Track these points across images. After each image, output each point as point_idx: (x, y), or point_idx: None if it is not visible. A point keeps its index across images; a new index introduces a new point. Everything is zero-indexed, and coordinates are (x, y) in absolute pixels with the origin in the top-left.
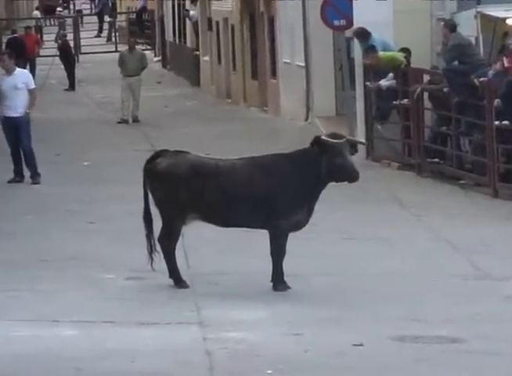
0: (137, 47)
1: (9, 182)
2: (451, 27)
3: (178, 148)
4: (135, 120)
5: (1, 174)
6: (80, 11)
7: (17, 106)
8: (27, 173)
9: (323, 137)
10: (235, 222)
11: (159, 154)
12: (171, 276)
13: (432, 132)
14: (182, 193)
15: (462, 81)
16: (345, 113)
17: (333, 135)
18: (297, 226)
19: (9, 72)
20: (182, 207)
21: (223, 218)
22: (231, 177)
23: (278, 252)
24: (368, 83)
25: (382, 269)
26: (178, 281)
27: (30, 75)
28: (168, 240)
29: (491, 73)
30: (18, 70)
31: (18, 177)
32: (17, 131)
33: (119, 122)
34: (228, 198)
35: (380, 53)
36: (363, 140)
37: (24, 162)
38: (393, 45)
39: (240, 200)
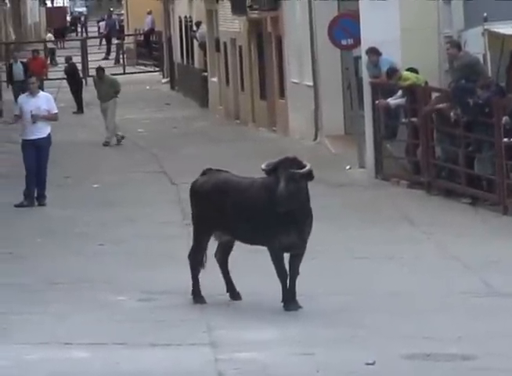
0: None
1: (17, 206)
2: (458, 46)
3: (186, 169)
4: (105, 144)
5: (7, 197)
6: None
7: (39, 128)
8: None
9: (262, 166)
10: (246, 239)
11: (203, 172)
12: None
13: (445, 152)
14: (206, 209)
15: (470, 100)
16: (354, 132)
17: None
18: (289, 247)
19: (33, 94)
20: (207, 223)
21: (238, 235)
22: (242, 195)
23: (278, 272)
24: (377, 102)
25: (393, 287)
26: (194, 296)
27: (53, 99)
28: (193, 256)
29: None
30: (42, 92)
31: (28, 201)
32: (38, 152)
33: (104, 144)
34: (239, 215)
35: (405, 73)
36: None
37: (36, 182)
38: (400, 65)
39: (246, 218)
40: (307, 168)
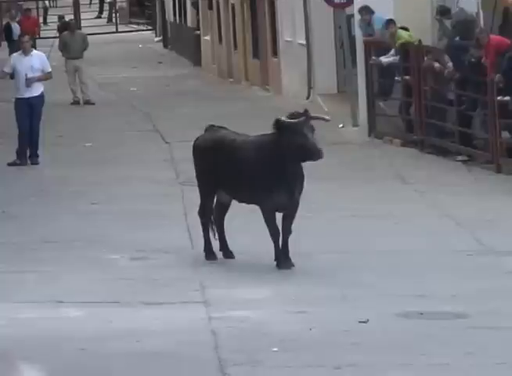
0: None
1: (10, 164)
2: (443, 12)
3: (179, 128)
4: (88, 103)
5: (0, 156)
6: None
7: (32, 87)
8: None
9: (281, 118)
10: (241, 197)
11: (205, 129)
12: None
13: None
14: (205, 166)
15: (464, 58)
16: (347, 91)
17: (293, 115)
18: (281, 206)
19: (26, 53)
20: (208, 181)
21: (233, 193)
22: (236, 153)
23: (271, 230)
24: (374, 58)
25: (387, 246)
26: (207, 253)
27: (46, 58)
28: (202, 214)
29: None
30: (35, 51)
31: (21, 160)
32: (31, 111)
33: (72, 103)
34: (233, 174)
35: (399, 31)
36: (327, 117)
37: (29, 141)
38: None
39: (239, 177)
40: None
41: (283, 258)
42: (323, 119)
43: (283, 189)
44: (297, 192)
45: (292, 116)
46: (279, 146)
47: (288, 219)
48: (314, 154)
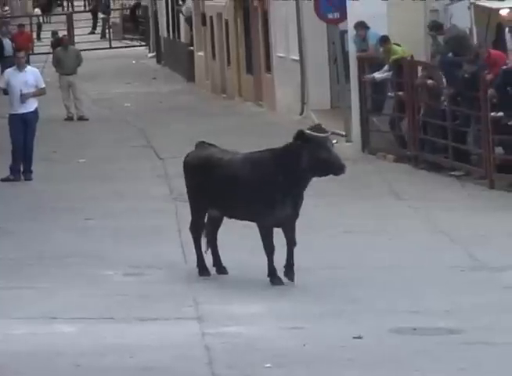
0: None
1: (3, 180)
2: (436, 28)
3: (173, 144)
4: (82, 118)
5: None
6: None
7: (26, 103)
8: None
9: (307, 131)
10: (234, 214)
11: (196, 145)
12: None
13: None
14: (195, 184)
15: (458, 73)
16: (340, 106)
17: (317, 129)
18: (283, 222)
19: (21, 68)
20: (199, 198)
21: (225, 210)
22: (225, 171)
23: (266, 246)
24: (367, 76)
25: (380, 261)
26: (200, 269)
27: (39, 74)
28: (193, 229)
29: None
30: (29, 67)
31: (14, 175)
32: (25, 127)
33: (66, 119)
34: (224, 191)
35: (394, 47)
36: (342, 132)
37: (23, 157)
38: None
39: (232, 194)
40: None
41: (287, 269)
42: (340, 134)
43: (288, 205)
44: (300, 204)
45: (316, 130)
46: (296, 160)
47: (290, 231)
48: (338, 169)
